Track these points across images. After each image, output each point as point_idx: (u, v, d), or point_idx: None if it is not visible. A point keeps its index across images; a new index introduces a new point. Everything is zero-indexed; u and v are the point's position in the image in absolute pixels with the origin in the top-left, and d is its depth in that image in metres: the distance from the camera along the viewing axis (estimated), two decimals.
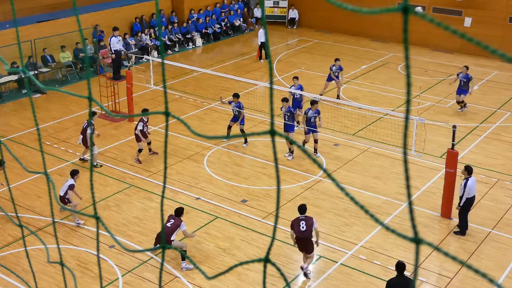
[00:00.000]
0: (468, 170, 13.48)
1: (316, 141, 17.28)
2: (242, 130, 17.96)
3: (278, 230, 13.57)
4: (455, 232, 13.82)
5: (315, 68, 25.91)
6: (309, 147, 17.97)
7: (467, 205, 13.52)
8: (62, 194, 14.12)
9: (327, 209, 14.74)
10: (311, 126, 17.09)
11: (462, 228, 13.74)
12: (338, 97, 21.70)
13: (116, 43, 20.45)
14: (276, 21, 33.11)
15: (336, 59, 21.75)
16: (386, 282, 10.71)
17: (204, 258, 12.79)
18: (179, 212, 12.50)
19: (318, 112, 17.25)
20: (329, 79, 21.67)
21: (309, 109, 17.16)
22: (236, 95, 18.12)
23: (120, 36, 20.93)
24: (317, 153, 17.36)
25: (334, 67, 21.52)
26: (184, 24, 29.55)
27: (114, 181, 16.08)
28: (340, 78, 21.68)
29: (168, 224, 12.22)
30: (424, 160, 17.12)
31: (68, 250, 12.97)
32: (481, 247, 13.31)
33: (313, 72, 25.43)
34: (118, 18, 26.96)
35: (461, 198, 13.43)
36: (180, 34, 29.16)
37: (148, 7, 28.84)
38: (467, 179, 13.40)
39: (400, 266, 10.39)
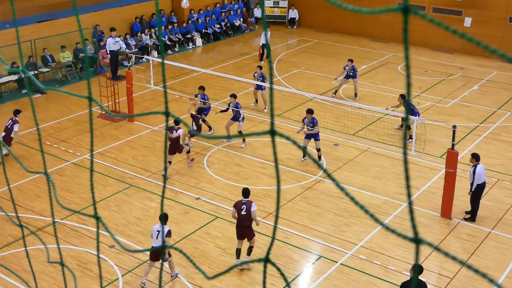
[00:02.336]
0: (476, 157, 13.99)
1: (318, 150, 16.84)
2: (240, 131, 17.96)
3: (278, 230, 13.57)
4: (466, 219, 14.28)
5: (315, 68, 25.91)
6: (309, 146, 17.98)
7: (478, 191, 14.05)
8: (156, 245, 11.51)
9: (327, 209, 14.74)
10: (308, 134, 16.81)
11: (473, 214, 14.26)
12: (356, 95, 22.04)
13: (113, 44, 20.41)
14: (276, 21, 33.11)
15: (349, 60, 22.10)
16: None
17: (204, 258, 12.78)
18: (246, 193, 12.41)
19: (313, 122, 16.65)
20: (347, 76, 22.02)
21: (305, 117, 16.90)
22: (233, 96, 18.18)
23: (117, 36, 20.86)
24: (320, 159, 16.96)
25: (347, 67, 21.92)
26: (184, 24, 29.56)
27: (114, 181, 16.08)
28: (357, 77, 22.01)
29: (243, 212, 12.10)
30: (424, 160, 17.11)
31: (68, 250, 12.97)
32: (481, 247, 13.32)
33: (313, 72, 25.43)
34: (118, 18, 26.95)
35: (471, 184, 13.98)
36: (180, 34, 29.17)
37: (148, 7, 28.84)
38: (475, 166, 13.89)
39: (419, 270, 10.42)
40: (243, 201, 12.26)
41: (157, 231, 11.62)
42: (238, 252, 12.44)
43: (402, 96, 18.62)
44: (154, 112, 2.48)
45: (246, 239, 12.37)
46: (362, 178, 16.28)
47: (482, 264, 12.63)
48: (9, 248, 13.18)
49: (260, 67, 21.01)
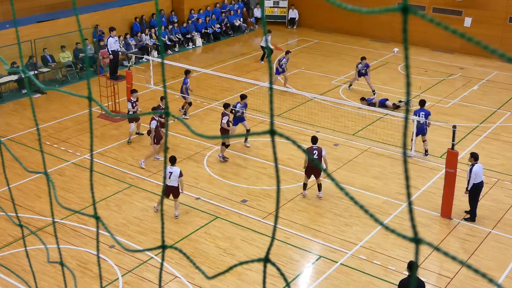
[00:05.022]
0: (474, 157, 14.06)
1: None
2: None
3: (278, 230, 13.58)
4: (466, 219, 14.31)
5: (315, 68, 25.90)
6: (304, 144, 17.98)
7: (475, 190, 14.06)
8: (170, 184, 13.78)
9: (327, 209, 14.74)
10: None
11: (472, 214, 14.27)
12: (374, 92, 22.27)
13: (113, 43, 20.42)
14: (276, 21, 33.11)
15: (363, 58, 22.47)
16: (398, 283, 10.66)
17: (204, 258, 12.79)
18: (316, 139, 14.79)
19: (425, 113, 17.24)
20: (360, 75, 22.42)
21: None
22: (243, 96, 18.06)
23: (116, 36, 20.88)
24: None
25: (360, 65, 22.27)
26: (184, 24, 29.55)
27: (114, 181, 16.08)
28: (369, 74, 22.41)
29: (315, 156, 14.18)
30: (424, 160, 17.12)
31: (68, 250, 12.97)
32: (481, 247, 13.32)
33: (313, 72, 25.42)
34: (118, 18, 26.95)
35: (468, 182, 14.04)
36: (180, 34, 29.16)
37: (148, 7, 28.84)
38: (473, 165, 13.96)
39: (411, 266, 10.32)
40: (314, 147, 14.51)
41: (169, 172, 13.69)
42: (305, 186, 15.02)
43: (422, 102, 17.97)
44: (154, 112, 2.49)
45: (314, 176, 14.82)
46: (362, 178, 16.28)
47: (482, 264, 12.63)
48: (9, 248, 13.18)
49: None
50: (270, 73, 2.04)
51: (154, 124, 16.47)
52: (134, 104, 18.36)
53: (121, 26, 26.56)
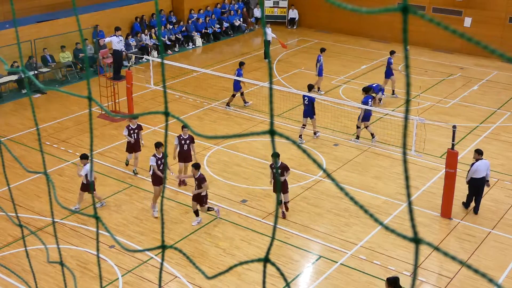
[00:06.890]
0: (478, 152, 14.45)
1: None
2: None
3: (278, 230, 13.57)
4: (463, 204, 14.84)
5: (315, 68, 25.86)
6: (309, 146, 18.00)
7: (472, 185, 14.41)
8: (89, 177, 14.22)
9: (327, 209, 14.74)
10: None
11: (467, 202, 14.77)
12: (393, 92, 22.35)
13: (117, 43, 20.40)
14: (276, 21, 33.11)
15: (393, 52, 22.19)
16: None
17: (204, 258, 12.79)
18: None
19: None
20: (389, 75, 21.99)
21: None
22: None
23: (121, 36, 20.86)
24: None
25: (392, 60, 21.89)
26: (181, 22, 29.52)
27: (114, 181, 16.08)
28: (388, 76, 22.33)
29: None
30: (424, 160, 17.12)
31: (68, 250, 12.97)
32: (481, 247, 13.32)
33: (313, 72, 25.39)
34: (118, 18, 26.95)
35: (467, 175, 14.49)
36: (180, 34, 29.15)
37: (148, 7, 28.84)
38: (476, 160, 14.34)
39: (394, 282, 9.81)
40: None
41: (86, 170, 14.11)
42: (206, 209, 14.11)
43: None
44: (154, 112, 2.49)
45: None
46: (362, 178, 16.28)
47: (482, 264, 12.63)
48: (9, 248, 13.18)
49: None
50: (270, 73, 2.04)
51: (153, 160, 14.14)
52: (131, 132, 16.04)
53: (121, 26, 26.53)
